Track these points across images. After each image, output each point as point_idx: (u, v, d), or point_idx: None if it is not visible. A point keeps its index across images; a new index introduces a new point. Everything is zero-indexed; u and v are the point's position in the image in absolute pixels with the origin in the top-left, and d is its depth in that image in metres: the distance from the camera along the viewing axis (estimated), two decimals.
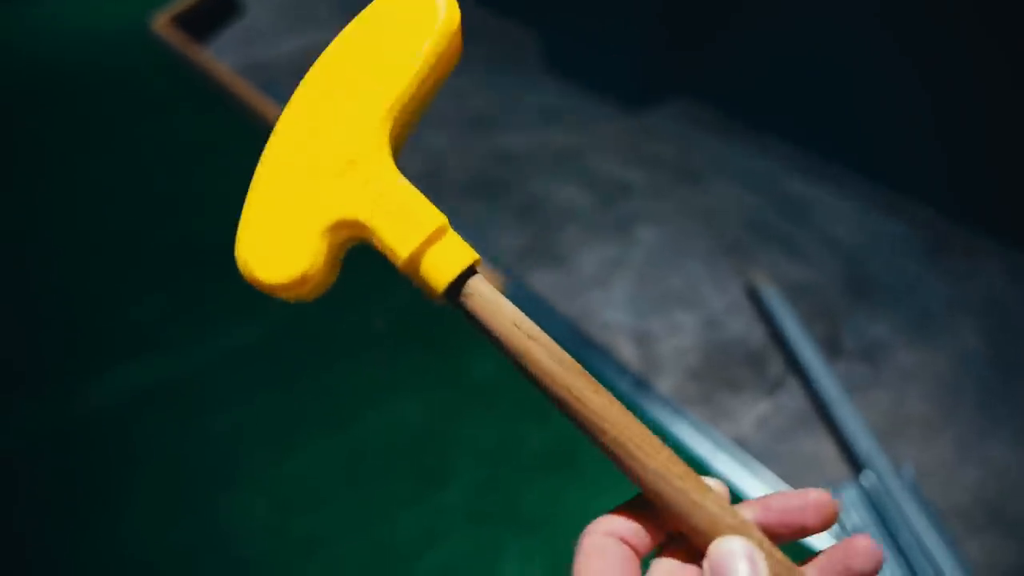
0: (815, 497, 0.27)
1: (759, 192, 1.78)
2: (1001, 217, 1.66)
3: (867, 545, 0.26)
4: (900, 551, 1.05)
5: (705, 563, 0.25)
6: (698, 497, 0.25)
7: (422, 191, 0.28)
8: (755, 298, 1.49)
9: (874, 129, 1.81)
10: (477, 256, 0.28)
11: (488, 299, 0.27)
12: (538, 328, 0.27)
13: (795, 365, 1.36)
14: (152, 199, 1.61)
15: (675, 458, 0.26)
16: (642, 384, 1.23)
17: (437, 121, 2.05)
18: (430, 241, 0.27)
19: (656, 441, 0.26)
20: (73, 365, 1.22)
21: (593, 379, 0.27)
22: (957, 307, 1.49)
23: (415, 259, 0.27)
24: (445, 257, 0.27)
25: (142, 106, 1.94)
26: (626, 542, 0.26)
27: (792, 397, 1.31)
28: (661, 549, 0.27)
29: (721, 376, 1.34)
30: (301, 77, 0.30)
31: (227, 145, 1.78)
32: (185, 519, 1.00)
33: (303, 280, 0.29)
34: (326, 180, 0.28)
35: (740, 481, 1.06)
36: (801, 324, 1.41)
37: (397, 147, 0.30)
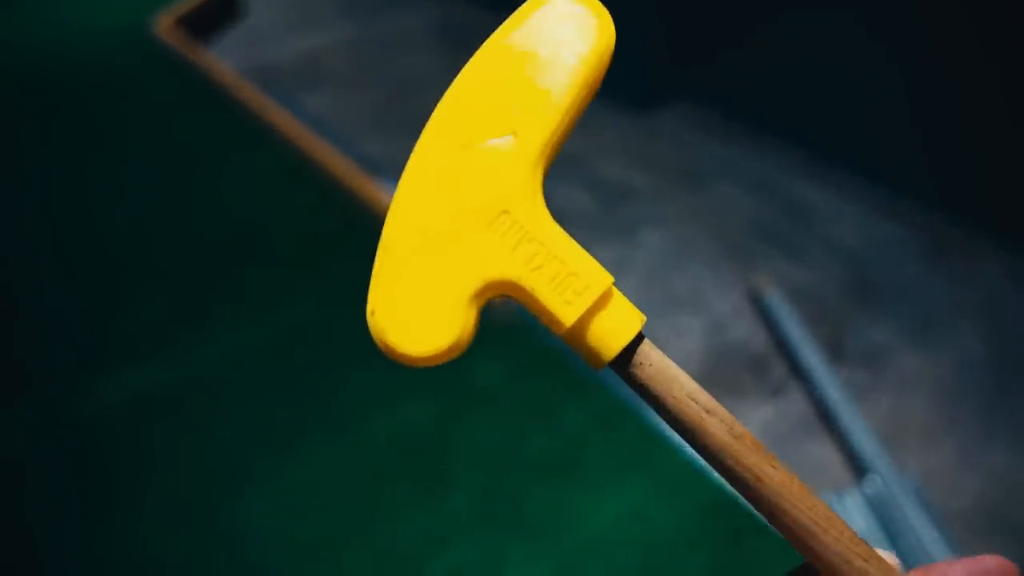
0: (995, 564, 0.25)
1: (761, 196, 1.79)
2: (1001, 219, 1.67)
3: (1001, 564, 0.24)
4: (903, 555, 1.06)
5: None
6: None
7: None
8: (758, 302, 1.49)
9: (875, 133, 1.82)
10: (644, 317, 0.25)
11: (661, 369, 0.24)
12: (714, 400, 0.25)
13: (798, 370, 1.36)
14: (155, 201, 1.61)
15: (854, 535, 0.24)
16: None
17: None
18: (598, 306, 0.24)
19: (833, 515, 0.25)
20: (79, 367, 1.22)
21: (771, 454, 0.25)
22: (958, 310, 1.50)
23: (580, 326, 0.24)
24: (613, 323, 0.24)
25: (143, 108, 1.94)
26: None
27: (795, 402, 1.31)
28: None
29: (724, 381, 1.34)
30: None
31: (230, 147, 1.78)
32: (191, 522, 1.00)
33: (452, 349, 0.25)
34: (473, 234, 0.24)
35: None
36: (803, 328, 1.41)
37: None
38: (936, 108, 1.70)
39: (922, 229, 1.70)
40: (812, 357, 1.35)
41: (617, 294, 0.24)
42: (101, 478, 1.06)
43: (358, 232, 1.48)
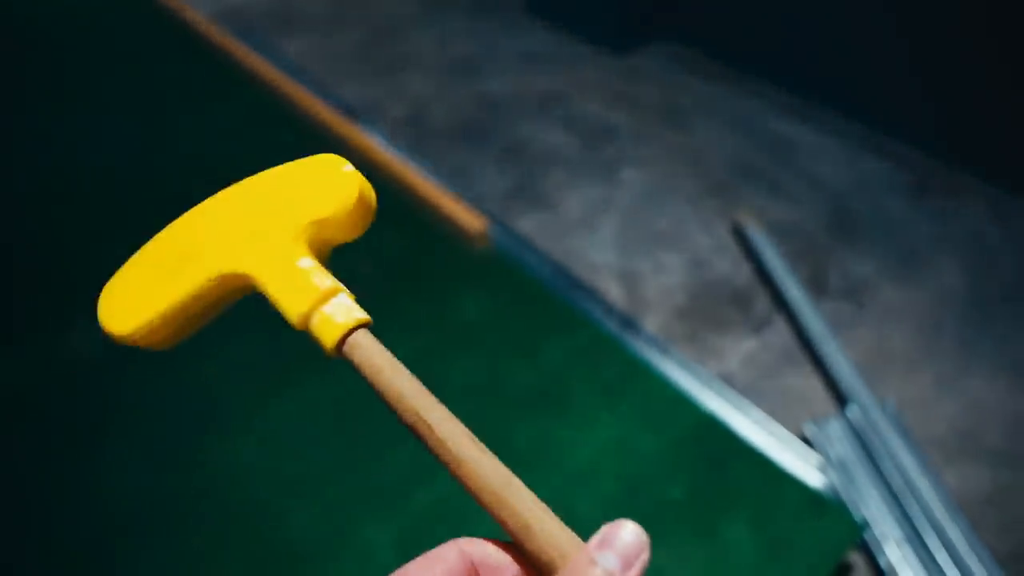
0: None
1: (745, 133, 1.77)
2: (984, 156, 1.67)
3: None
4: (883, 479, 1.07)
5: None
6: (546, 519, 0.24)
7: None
8: (741, 237, 1.49)
9: (859, 70, 1.80)
10: (367, 317, 0.29)
11: (368, 357, 0.28)
12: (419, 392, 0.27)
13: (781, 303, 1.37)
14: (126, 146, 1.58)
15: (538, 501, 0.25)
16: (628, 323, 1.23)
17: (421, 67, 2.02)
18: (320, 303, 0.29)
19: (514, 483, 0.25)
20: (52, 315, 1.20)
21: (477, 442, 0.26)
22: (940, 245, 1.50)
23: (305, 320, 0.29)
24: (335, 317, 0.29)
25: (117, 53, 1.90)
26: (475, 563, 0.24)
27: (778, 334, 1.32)
28: None
29: (707, 315, 1.34)
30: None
31: (202, 92, 1.75)
32: (172, 463, 1.00)
33: (131, 336, 0.30)
34: (229, 240, 0.30)
35: (728, 417, 1.07)
36: (787, 263, 1.42)
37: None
38: (921, 44, 1.68)
39: (905, 165, 1.70)
40: (795, 290, 1.36)
41: (343, 295, 0.29)
42: (91, 419, 1.06)
43: None
